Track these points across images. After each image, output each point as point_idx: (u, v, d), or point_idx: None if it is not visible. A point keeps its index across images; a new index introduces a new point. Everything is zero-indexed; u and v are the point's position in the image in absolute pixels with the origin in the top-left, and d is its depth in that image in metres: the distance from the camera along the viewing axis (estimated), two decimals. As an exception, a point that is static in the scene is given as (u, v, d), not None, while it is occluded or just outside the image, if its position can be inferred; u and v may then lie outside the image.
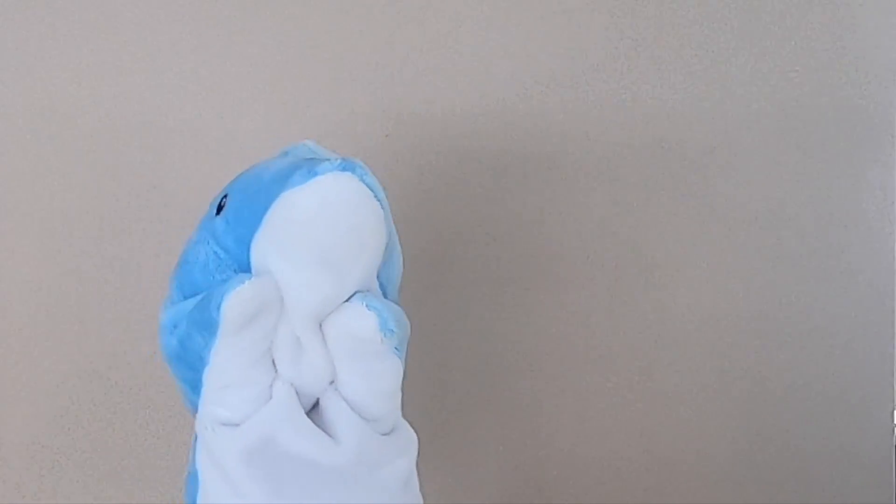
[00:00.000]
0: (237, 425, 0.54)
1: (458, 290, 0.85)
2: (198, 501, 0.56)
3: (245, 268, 0.54)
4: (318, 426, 0.54)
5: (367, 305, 0.53)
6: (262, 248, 0.52)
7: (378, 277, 0.57)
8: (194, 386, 0.56)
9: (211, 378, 0.54)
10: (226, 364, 0.53)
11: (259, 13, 0.81)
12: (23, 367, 0.81)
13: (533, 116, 0.85)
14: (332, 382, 0.56)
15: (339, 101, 0.82)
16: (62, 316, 0.81)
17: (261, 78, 0.82)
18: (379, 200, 0.52)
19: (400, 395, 0.57)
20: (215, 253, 0.55)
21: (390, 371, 0.56)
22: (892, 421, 0.92)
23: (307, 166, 0.50)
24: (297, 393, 0.55)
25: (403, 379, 0.57)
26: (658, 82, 0.86)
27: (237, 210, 0.54)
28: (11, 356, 0.81)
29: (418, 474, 0.59)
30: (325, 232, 0.51)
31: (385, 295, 0.58)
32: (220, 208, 0.56)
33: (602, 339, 0.88)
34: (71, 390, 0.82)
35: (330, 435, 0.54)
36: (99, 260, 0.82)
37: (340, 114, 0.82)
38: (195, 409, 0.57)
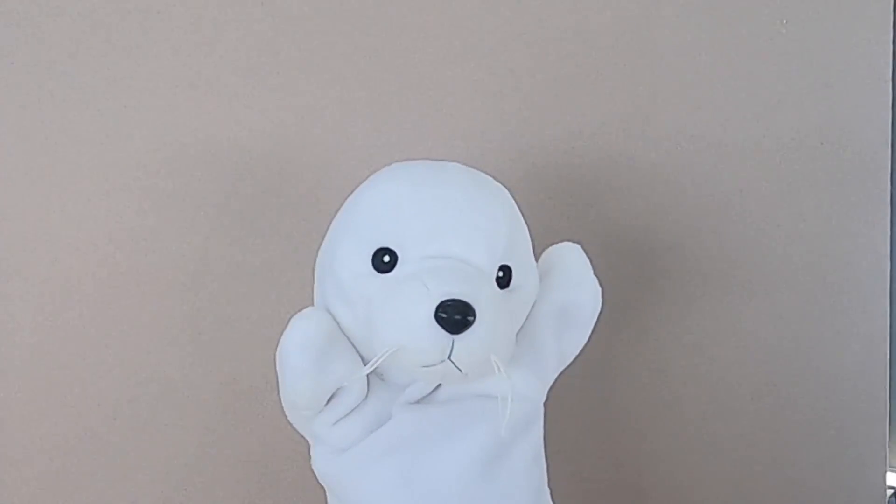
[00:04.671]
0: None
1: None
2: None
3: None
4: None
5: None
6: None
7: None
8: None
9: None
10: None
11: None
12: (22, 429, 0.81)
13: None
14: None
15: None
16: (58, 377, 0.81)
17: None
18: None
19: None
20: None
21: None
22: (885, 483, 0.92)
23: None
24: None
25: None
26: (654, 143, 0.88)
27: None
28: (11, 419, 0.81)
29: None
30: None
31: None
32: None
33: (595, 405, 0.88)
34: (71, 452, 0.81)
35: None
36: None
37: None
38: None
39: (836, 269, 0.90)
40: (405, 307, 0.52)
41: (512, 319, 0.57)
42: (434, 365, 0.51)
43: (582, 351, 0.64)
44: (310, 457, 0.61)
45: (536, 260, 0.62)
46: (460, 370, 0.52)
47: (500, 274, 0.56)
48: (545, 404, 0.62)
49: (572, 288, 0.62)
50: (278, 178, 0.82)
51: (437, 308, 0.51)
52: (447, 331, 0.51)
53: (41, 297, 0.80)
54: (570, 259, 0.63)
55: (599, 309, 0.63)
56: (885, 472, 0.92)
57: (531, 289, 0.60)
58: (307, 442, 0.61)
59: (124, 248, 0.81)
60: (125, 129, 0.80)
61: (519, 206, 0.61)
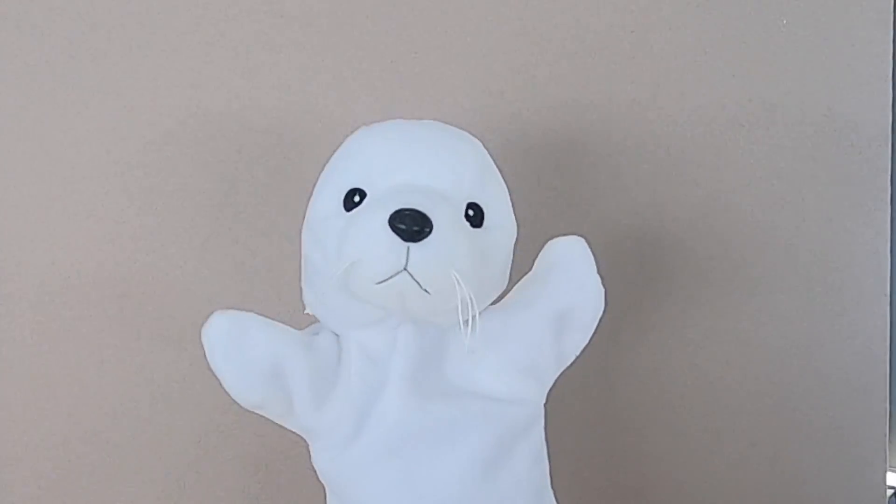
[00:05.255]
0: None
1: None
2: None
3: None
4: None
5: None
6: None
7: None
8: None
9: None
10: None
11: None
12: (22, 429, 0.81)
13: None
14: None
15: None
16: (58, 377, 0.81)
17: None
18: None
19: None
20: None
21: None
22: (885, 483, 0.92)
23: None
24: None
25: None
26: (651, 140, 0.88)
27: None
28: (11, 419, 0.81)
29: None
30: None
31: None
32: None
33: (596, 404, 0.88)
34: (70, 452, 0.81)
35: None
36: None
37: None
38: None
39: (836, 269, 0.90)
40: (363, 222, 0.53)
41: (484, 257, 0.56)
42: (391, 277, 0.51)
43: (582, 351, 0.64)
44: (309, 455, 0.61)
45: (538, 252, 0.62)
46: (419, 284, 0.52)
47: (471, 213, 0.56)
48: (545, 405, 0.62)
49: (575, 290, 0.61)
50: (278, 178, 0.82)
51: (393, 217, 0.51)
52: (402, 239, 0.51)
53: (40, 297, 0.80)
54: (574, 257, 0.62)
55: (602, 312, 0.62)
56: (885, 472, 0.92)
57: (507, 231, 0.59)
58: (307, 441, 0.61)
59: (124, 248, 0.81)
60: (125, 129, 0.81)
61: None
